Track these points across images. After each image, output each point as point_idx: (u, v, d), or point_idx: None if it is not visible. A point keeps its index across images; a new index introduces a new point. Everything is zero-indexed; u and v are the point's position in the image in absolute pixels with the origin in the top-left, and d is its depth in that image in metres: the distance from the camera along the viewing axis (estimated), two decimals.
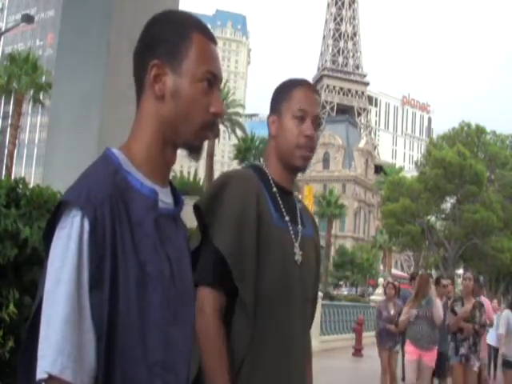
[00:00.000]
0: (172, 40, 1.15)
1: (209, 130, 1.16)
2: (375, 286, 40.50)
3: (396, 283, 9.46)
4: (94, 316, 0.99)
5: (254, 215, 1.60)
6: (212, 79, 1.16)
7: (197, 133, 1.15)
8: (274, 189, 1.72)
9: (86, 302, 0.99)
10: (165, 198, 1.15)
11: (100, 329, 0.99)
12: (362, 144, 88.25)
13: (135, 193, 1.09)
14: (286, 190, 1.76)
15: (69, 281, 0.98)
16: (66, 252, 1.00)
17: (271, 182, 1.73)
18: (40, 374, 0.96)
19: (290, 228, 1.70)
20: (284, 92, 1.79)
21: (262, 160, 1.82)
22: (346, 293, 44.16)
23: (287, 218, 1.70)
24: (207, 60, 1.16)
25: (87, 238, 1.00)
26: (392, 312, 8.45)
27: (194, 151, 1.18)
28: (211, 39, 1.19)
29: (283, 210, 1.71)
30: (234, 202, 1.60)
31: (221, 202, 1.60)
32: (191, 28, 1.17)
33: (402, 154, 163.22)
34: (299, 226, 1.74)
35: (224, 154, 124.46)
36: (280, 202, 1.71)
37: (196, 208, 1.65)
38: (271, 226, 1.64)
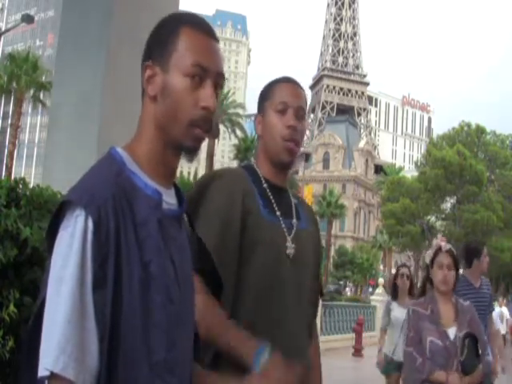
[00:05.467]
0: (161, 39, 1.14)
1: (198, 126, 1.12)
2: (375, 285, 40.49)
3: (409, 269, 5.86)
4: (97, 315, 0.99)
5: (238, 210, 1.61)
6: (202, 73, 1.11)
7: (186, 131, 1.11)
8: (265, 185, 1.72)
9: (89, 301, 0.99)
10: (169, 198, 1.15)
11: (103, 328, 0.99)
12: (362, 144, 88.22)
13: (139, 193, 1.09)
14: (278, 186, 1.76)
15: (72, 280, 0.98)
16: (70, 251, 1.00)
17: (262, 178, 1.74)
18: (42, 371, 0.96)
19: (282, 222, 1.70)
20: (266, 92, 1.81)
21: (252, 160, 1.83)
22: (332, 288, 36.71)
23: (278, 213, 1.70)
24: (196, 52, 1.12)
25: (91, 238, 1.00)
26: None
27: (187, 151, 1.14)
28: (204, 32, 1.15)
29: (274, 205, 1.71)
30: (220, 197, 1.62)
31: (206, 196, 1.62)
32: (180, 23, 1.15)
33: (401, 154, 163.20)
34: (294, 219, 1.74)
35: (224, 154, 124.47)
36: (271, 198, 1.71)
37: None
38: (259, 220, 1.64)
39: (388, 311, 5.77)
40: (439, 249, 3.34)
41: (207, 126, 1.13)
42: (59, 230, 1.03)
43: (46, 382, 0.98)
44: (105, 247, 1.00)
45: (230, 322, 1.53)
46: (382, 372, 5.88)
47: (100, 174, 1.07)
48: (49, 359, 0.96)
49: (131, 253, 1.03)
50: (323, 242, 54.87)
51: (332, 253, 59.58)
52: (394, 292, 5.71)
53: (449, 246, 3.34)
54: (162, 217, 1.11)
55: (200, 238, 1.55)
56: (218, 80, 1.15)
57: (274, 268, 1.63)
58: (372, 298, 22.06)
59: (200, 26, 1.15)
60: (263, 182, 1.73)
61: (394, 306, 5.69)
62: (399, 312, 5.43)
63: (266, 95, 1.80)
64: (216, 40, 1.17)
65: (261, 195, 1.69)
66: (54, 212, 1.06)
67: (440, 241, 3.42)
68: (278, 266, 1.64)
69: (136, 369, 1.02)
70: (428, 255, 3.42)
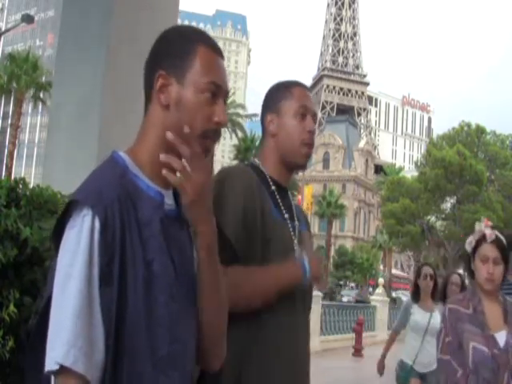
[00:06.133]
0: (178, 52, 1.19)
1: (210, 139, 1.19)
2: (375, 285, 40.49)
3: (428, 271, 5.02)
4: (103, 312, 1.02)
5: (258, 207, 1.61)
6: (215, 90, 1.19)
7: (198, 142, 1.17)
8: (273, 187, 1.73)
9: (96, 298, 1.02)
10: (167, 199, 1.19)
11: (108, 325, 1.02)
12: (362, 144, 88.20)
13: (142, 194, 1.13)
14: (282, 187, 1.77)
15: (79, 277, 1.01)
16: (77, 249, 1.02)
17: (269, 180, 1.74)
18: (50, 365, 0.97)
19: (290, 225, 1.71)
20: (281, 91, 1.80)
21: (256, 159, 1.82)
22: (345, 299, 34.54)
23: (286, 216, 1.72)
24: (211, 71, 1.20)
25: (98, 237, 1.03)
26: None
27: None
28: (217, 52, 1.23)
29: (282, 206, 1.72)
30: (237, 191, 1.61)
31: (226, 193, 1.60)
32: (196, 41, 1.21)
33: (401, 154, 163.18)
34: (296, 221, 1.75)
35: (224, 154, 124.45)
36: (279, 200, 1.72)
37: None
38: (273, 221, 1.65)
39: (407, 314, 5.13)
40: (483, 237, 2.65)
41: (217, 137, 1.21)
42: (65, 229, 1.06)
43: (53, 377, 0.99)
44: (111, 247, 1.04)
45: (256, 268, 1.57)
46: (400, 383, 5.10)
47: (104, 176, 1.11)
48: (58, 353, 0.97)
49: (136, 252, 1.07)
50: (323, 242, 54.99)
51: (332, 253, 59.56)
52: (415, 294, 5.09)
53: (495, 235, 2.65)
54: (164, 217, 1.15)
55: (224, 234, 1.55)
56: (226, 97, 1.24)
57: None
58: (372, 298, 22.07)
59: (214, 47, 1.23)
60: (270, 182, 1.73)
61: (415, 309, 5.07)
62: (421, 316, 4.97)
63: (282, 96, 1.78)
64: (223, 58, 1.27)
65: (269, 196, 1.70)
66: (61, 212, 1.08)
67: (484, 227, 2.69)
68: None
69: (140, 365, 1.04)
70: (469, 243, 2.72)
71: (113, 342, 1.02)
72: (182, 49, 1.19)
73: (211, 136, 1.19)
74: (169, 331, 1.09)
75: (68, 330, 0.98)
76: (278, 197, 1.72)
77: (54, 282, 1.03)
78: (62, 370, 0.97)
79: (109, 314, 1.02)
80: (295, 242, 1.70)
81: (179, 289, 1.14)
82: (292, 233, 1.70)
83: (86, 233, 1.03)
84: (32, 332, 1.08)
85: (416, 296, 5.11)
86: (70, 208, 1.06)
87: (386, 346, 5.55)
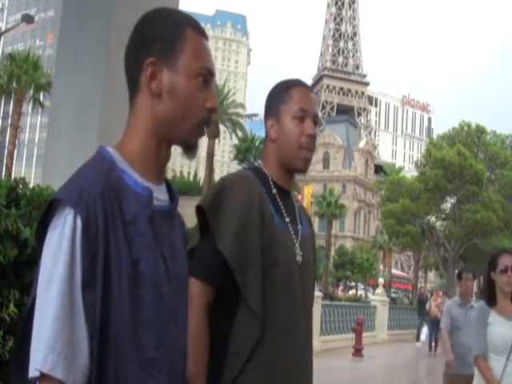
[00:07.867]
0: (166, 37, 1.14)
1: (205, 125, 1.17)
2: (375, 285, 40.46)
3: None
4: (87, 314, 0.99)
5: (257, 218, 1.60)
6: (207, 75, 1.16)
7: (193, 130, 1.15)
8: (274, 190, 1.72)
9: (79, 299, 0.99)
10: (159, 194, 1.14)
11: (93, 327, 0.99)
12: (361, 144, 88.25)
13: (129, 191, 1.08)
14: (285, 190, 1.76)
15: (61, 279, 0.98)
16: (59, 250, 0.99)
17: (271, 183, 1.73)
18: (32, 372, 0.96)
19: (291, 229, 1.70)
20: (281, 94, 1.77)
21: (260, 162, 1.81)
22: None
23: (288, 219, 1.71)
24: (201, 56, 1.16)
25: (80, 236, 1.00)
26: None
27: (191, 149, 1.17)
28: (203, 35, 1.19)
29: (283, 210, 1.71)
30: (238, 205, 1.60)
31: (224, 204, 1.60)
32: (184, 25, 1.16)
33: (402, 154, 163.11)
34: (299, 225, 1.74)
35: (224, 154, 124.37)
36: (280, 204, 1.71)
37: (198, 209, 1.64)
38: (274, 227, 1.65)
39: (484, 323, 3.46)
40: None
41: (210, 123, 1.18)
42: (48, 229, 1.03)
43: (37, 383, 0.97)
44: (94, 245, 1.00)
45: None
46: None
47: (89, 173, 1.07)
48: (38, 358, 0.95)
49: (120, 251, 1.03)
50: (323, 242, 54.99)
51: (332, 253, 59.50)
52: (490, 295, 3.53)
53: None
54: (153, 214, 1.10)
55: (219, 250, 1.56)
56: (213, 79, 1.20)
57: (287, 275, 1.64)
58: (372, 297, 22.05)
59: (201, 29, 1.19)
60: (272, 186, 1.72)
61: (495, 317, 3.47)
62: (503, 327, 3.41)
63: (281, 99, 1.75)
64: (207, 39, 1.22)
65: (271, 200, 1.69)
66: (44, 211, 1.06)
67: None
68: (291, 272, 1.65)
69: (126, 367, 1.01)
70: None
71: (97, 345, 0.98)
72: (171, 33, 1.14)
73: (206, 124, 1.16)
74: (157, 333, 1.06)
75: (48, 333, 0.95)
76: (279, 201, 1.71)
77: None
78: (42, 377, 0.95)
79: (92, 316, 0.98)
80: (297, 245, 1.69)
81: (170, 288, 1.10)
82: (294, 237, 1.70)
83: (68, 233, 0.99)
84: (18, 335, 1.05)
85: (491, 298, 3.53)
86: (52, 207, 1.04)
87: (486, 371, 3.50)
